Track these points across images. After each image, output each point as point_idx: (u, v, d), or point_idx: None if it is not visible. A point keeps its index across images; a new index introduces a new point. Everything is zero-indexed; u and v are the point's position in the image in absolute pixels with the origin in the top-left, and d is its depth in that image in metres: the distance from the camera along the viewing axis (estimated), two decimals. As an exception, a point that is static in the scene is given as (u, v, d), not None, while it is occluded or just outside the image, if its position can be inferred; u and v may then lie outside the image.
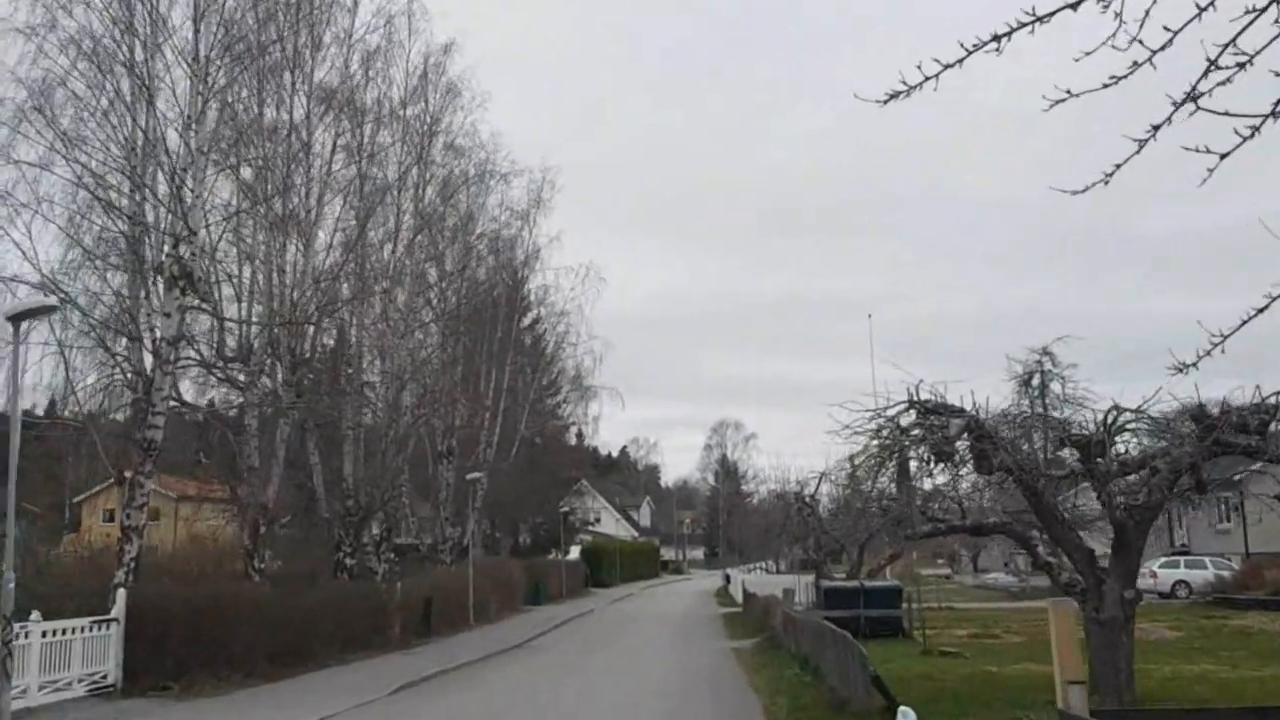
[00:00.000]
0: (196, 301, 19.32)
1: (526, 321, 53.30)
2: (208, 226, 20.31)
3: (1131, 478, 13.54)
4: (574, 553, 67.33)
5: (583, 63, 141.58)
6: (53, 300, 13.78)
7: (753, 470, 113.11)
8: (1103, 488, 12.44)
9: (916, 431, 12.36)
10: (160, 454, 39.03)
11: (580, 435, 71.45)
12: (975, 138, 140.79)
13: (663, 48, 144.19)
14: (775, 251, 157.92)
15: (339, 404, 28.79)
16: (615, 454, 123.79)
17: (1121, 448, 13.55)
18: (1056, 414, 15.04)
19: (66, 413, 19.24)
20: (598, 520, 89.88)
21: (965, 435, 12.05)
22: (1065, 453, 13.83)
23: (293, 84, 24.68)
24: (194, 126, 18.84)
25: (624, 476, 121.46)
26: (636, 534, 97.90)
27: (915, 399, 12.96)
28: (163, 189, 19.26)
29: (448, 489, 40.65)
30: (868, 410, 12.83)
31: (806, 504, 33.33)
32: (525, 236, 44.09)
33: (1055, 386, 15.81)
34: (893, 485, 13.37)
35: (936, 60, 4.07)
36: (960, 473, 13.29)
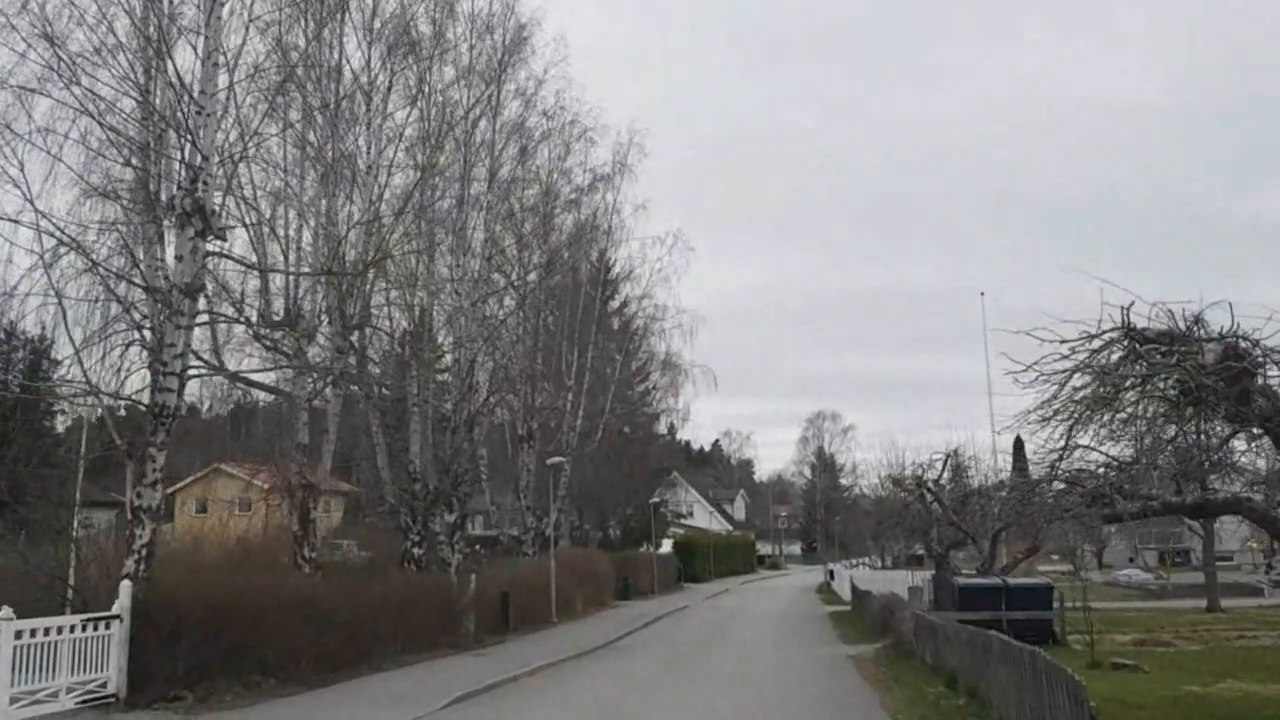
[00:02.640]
0: (215, 244, 16.41)
1: (615, 304, 50.27)
2: (240, 156, 17.34)
3: None
4: (665, 546, 63.99)
5: (675, 45, 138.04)
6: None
7: (851, 463, 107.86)
8: None
9: (1155, 359, 8.62)
10: (251, 438, 36.69)
11: (671, 428, 68.17)
12: (1079, 129, 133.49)
13: (763, 29, 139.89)
14: (870, 245, 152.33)
15: (403, 375, 25.95)
16: (707, 447, 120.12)
17: None
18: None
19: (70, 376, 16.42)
20: (690, 513, 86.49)
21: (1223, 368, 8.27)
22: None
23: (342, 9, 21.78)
24: (203, 32, 15.96)
25: (717, 470, 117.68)
26: (730, 528, 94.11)
27: (1129, 325, 9.22)
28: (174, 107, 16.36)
29: (528, 475, 37.77)
30: (1066, 341, 9.11)
31: (930, 490, 29.58)
32: (609, 201, 40.71)
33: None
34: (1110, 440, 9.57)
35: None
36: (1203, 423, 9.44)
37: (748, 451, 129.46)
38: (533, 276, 35.02)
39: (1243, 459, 12.29)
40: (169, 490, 58.25)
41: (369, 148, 23.58)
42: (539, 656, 21.81)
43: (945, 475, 30.49)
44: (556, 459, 35.10)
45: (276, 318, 21.45)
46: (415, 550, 26.42)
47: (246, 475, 42.47)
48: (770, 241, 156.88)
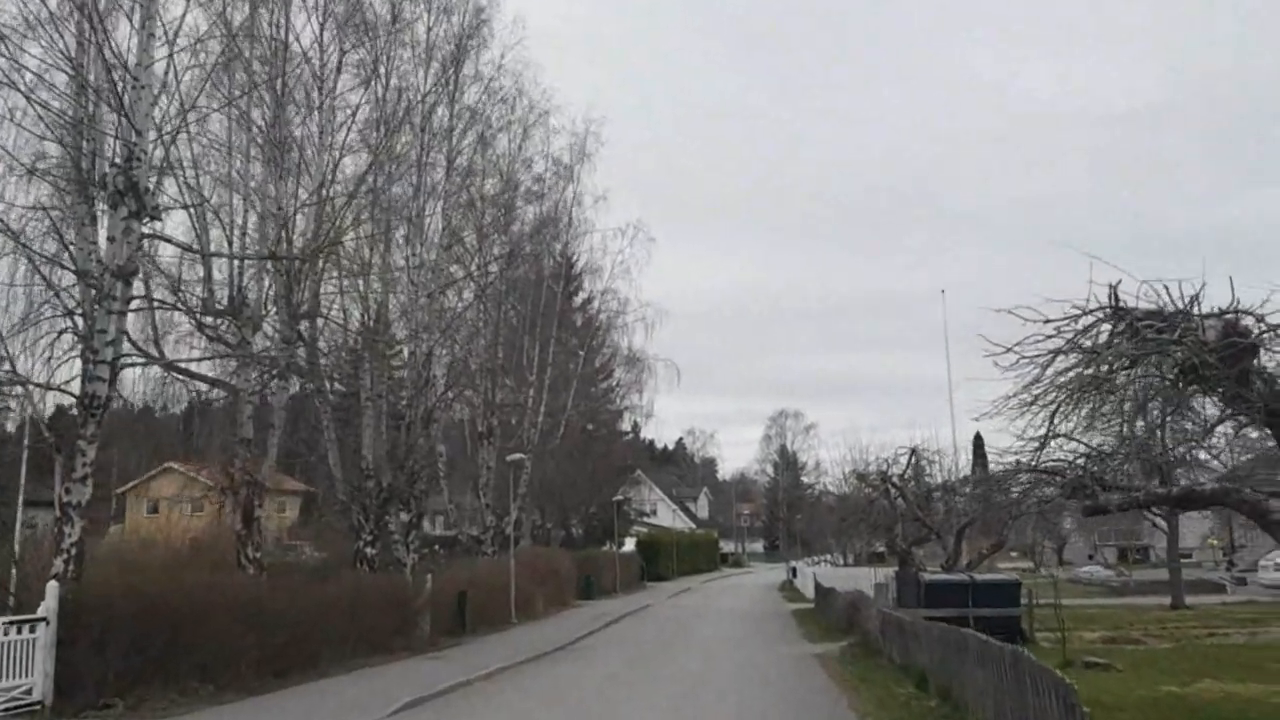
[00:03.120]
0: (151, 225, 15.48)
1: (578, 300, 49.58)
2: (176, 131, 16.37)
3: None
4: (629, 544, 63.30)
5: (634, 29, 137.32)
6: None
7: (814, 460, 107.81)
8: None
9: (1151, 337, 8.05)
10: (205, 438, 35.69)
11: (636, 426, 67.67)
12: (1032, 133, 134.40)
13: (728, 19, 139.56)
14: (831, 246, 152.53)
15: (356, 368, 25.05)
16: (671, 446, 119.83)
17: None
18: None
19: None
20: (654, 512, 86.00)
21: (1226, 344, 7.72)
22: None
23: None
24: (139, 0, 15.07)
25: (680, 469, 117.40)
26: (694, 526, 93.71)
27: (1118, 304, 8.67)
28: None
29: (488, 473, 36.93)
30: (1051, 321, 8.54)
31: (894, 485, 29.15)
32: (569, 195, 39.95)
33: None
34: (1092, 429, 9.02)
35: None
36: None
37: (711, 450, 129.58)
38: (493, 268, 34.22)
39: (1216, 460, 11.86)
40: (119, 490, 56.86)
41: (319, 130, 22.72)
42: (496, 659, 21.06)
43: (909, 471, 30.09)
44: (517, 455, 34.32)
45: (220, 306, 20.52)
46: (368, 550, 25.56)
47: (196, 474, 41.27)
48: (734, 239, 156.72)
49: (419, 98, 25.42)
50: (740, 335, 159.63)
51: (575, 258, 45.50)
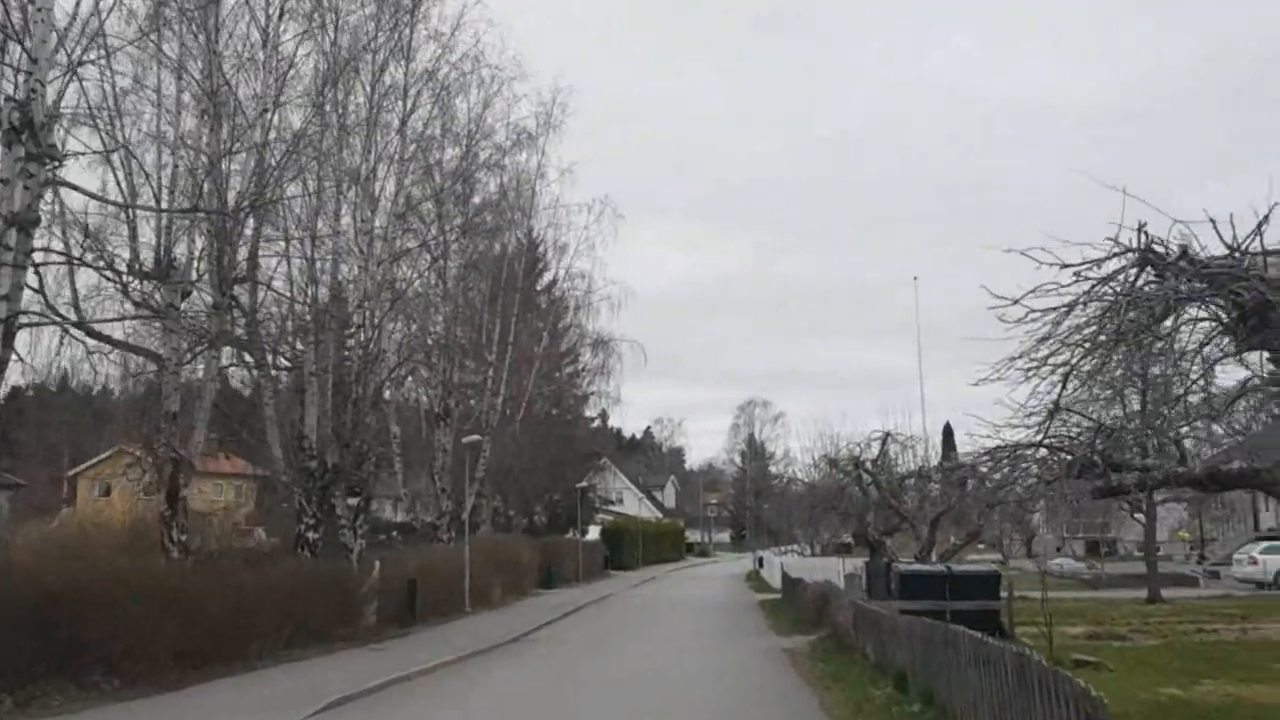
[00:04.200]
0: (52, 168, 13.85)
1: (544, 281, 48.03)
2: (80, 63, 14.72)
3: None
4: (593, 533, 62.11)
5: (602, 13, 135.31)
6: None
7: (783, 450, 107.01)
8: None
9: (1184, 285, 6.74)
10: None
11: (604, 414, 66.13)
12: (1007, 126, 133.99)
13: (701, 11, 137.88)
14: (800, 237, 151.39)
15: (299, 340, 23.48)
16: (639, 434, 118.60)
17: None
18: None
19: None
20: (619, 500, 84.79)
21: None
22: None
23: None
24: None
25: (648, 458, 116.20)
26: (660, 515, 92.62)
27: (1147, 246, 7.36)
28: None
29: (444, 456, 35.35)
30: (1068, 266, 7.21)
31: (867, 471, 27.95)
32: (533, 166, 38.15)
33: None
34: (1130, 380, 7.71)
35: None
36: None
37: (679, 439, 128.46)
38: (451, 238, 32.56)
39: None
40: (71, 473, 54.42)
41: (260, 82, 21.10)
42: (442, 652, 19.64)
43: (882, 459, 28.91)
44: (473, 437, 32.82)
45: (146, 268, 18.89)
46: (310, 534, 24.00)
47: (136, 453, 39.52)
48: (700, 233, 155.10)
49: (365, 45, 23.71)
50: (707, 323, 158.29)
51: (539, 235, 43.86)
